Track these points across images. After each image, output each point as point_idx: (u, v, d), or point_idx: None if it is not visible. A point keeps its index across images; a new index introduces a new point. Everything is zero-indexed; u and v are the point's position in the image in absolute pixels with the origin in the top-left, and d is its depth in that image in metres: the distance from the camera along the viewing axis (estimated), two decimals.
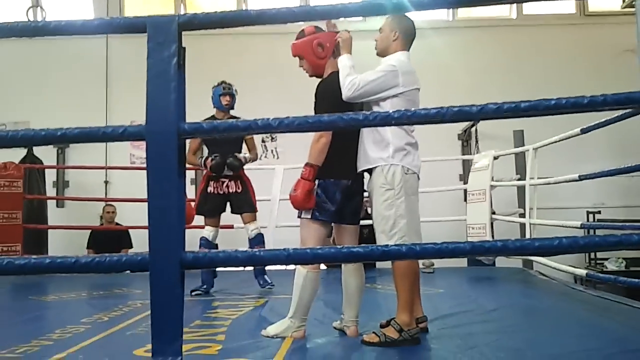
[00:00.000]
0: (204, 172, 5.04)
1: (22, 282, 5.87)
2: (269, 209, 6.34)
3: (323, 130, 1.37)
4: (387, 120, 1.45)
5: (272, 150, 8.11)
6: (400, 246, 1.45)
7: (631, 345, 2.90)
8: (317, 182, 3.12)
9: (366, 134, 3.20)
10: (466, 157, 7.66)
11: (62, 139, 1.57)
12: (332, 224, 3.29)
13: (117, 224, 7.77)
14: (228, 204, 5.03)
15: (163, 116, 1.53)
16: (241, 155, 4.96)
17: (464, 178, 7.74)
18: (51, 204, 8.13)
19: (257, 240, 4.99)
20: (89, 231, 7.71)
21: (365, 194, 3.31)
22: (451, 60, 8.08)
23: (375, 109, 3.07)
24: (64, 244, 7.62)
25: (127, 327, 3.56)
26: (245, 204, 4.97)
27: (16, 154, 7.51)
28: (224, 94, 4.96)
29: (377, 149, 3.13)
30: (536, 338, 3.13)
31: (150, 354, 2.88)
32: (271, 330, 3.17)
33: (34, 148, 7.72)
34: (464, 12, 8.58)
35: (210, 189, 4.95)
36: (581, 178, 4.22)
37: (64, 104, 8.21)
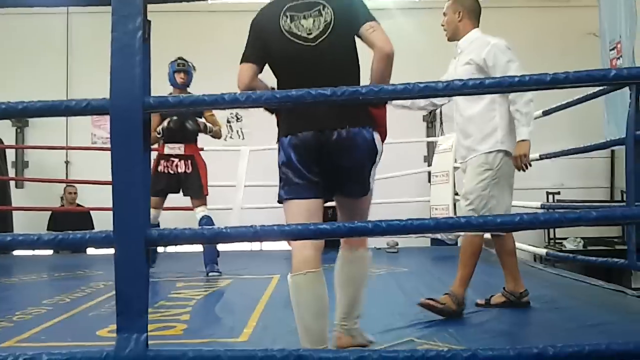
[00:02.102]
0: (157, 152, 4.83)
1: None
2: (234, 191, 6.29)
3: (289, 104, 1.35)
4: (354, 95, 1.45)
5: (237, 131, 8.04)
6: (367, 222, 1.46)
7: (588, 320, 2.99)
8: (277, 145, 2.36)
9: (468, 119, 3.16)
10: (431, 139, 7.73)
11: (23, 113, 1.53)
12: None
13: (78, 205, 7.64)
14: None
15: (128, 90, 1.50)
16: (202, 121, 4.81)
17: (428, 160, 7.82)
18: (10, 185, 7.95)
19: (205, 223, 4.73)
20: (50, 212, 7.57)
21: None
22: (418, 42, 8.08)
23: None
24: (24, 225, 7.46)
25: (90, 308, 3.53)
26: (193, 186, 4.80)
27: None
28: (179, 70, 4.77)
29: (483, 134, 3.13)
30: (495, 313, 3.21)
31: (113, 334, 2.87)
32: None
33: None
34: None
35: (160, 167, 4.77)
36: (541, 157, 4.30)
37: (24, 82, 7.98)
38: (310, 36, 2.22)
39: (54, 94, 7.89)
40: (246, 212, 6.23)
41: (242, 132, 8.02)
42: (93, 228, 7.33)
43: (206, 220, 4.75)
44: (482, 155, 3.13)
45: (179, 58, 4.85)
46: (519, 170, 3.11)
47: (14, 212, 7.43)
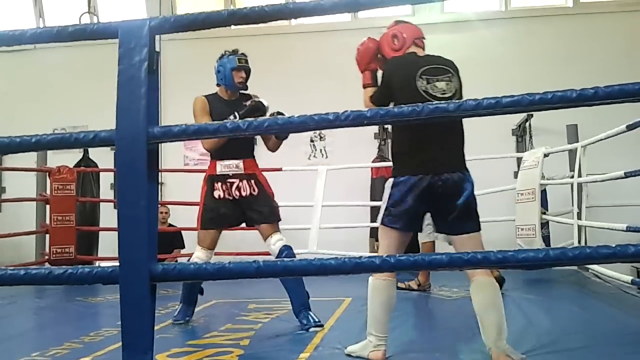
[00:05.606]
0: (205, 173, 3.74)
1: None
2: (312, 210, 6.26)
3: (292, 132, 1.29)
4: (359, 119, 1.35)
5: (320, 150, 8.03)
6: (389, 257, 1.35)
7: None
8: (391, 181, 2.73)
9: None
10: (520, 154, 7.34)
11: (36, 146, 1.55)
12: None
13: (170, 224, 7.88)
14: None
15: (132, 121, 1.49)
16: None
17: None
18: (108, 206, 8.33)
19: (287, 255, 3.52)
20: None
21: None
22: (504, 53, 7.78)
23: None
24: None
25: (159, 331, 3.56)
26: (263, 210, 3.63)
27: (73, 158, 7.77)
28: (239, 68, 3.64)
29: None
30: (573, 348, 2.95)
31: (173, 359, 2.87)
32: (350, 348, 2.86)
33: (90, 151, 7.96)
34: (517, 2, 8.24)
35: (217, 192, 3.60)
36: (627, 175, 3.93)
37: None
38: (445, 96, 2.72)
39: None
40: (324, 231, 6.17)
41: (325, 151, 8.00)
42: (184, 247, 7.53)
43: (288, 251, 3.56)
44: None
45: (236, 50, 3.72)
46: None
47: (108, 233, 7.74)
